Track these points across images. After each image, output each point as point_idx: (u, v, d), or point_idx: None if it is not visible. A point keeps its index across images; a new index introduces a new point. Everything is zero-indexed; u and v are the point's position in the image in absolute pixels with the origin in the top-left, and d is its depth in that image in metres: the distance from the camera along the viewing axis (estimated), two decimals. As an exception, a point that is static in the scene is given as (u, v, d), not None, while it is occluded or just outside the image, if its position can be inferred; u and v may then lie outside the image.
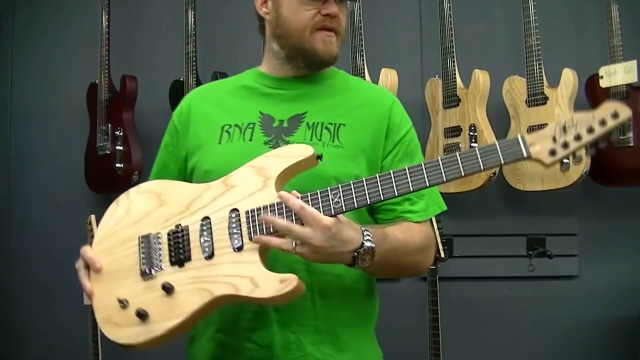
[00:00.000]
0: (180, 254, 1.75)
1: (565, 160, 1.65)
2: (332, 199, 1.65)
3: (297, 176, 1.77)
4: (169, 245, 1.77)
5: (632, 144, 3.36)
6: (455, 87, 3.63)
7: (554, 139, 1.57)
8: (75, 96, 4.06)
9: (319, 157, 1.73)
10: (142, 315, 1.72)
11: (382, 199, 1.65)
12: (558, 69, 3.48)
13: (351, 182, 1.66)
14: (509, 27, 3.77)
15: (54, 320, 4.10)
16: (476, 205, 3.79)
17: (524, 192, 3.51)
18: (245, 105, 1.99)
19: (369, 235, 1.69)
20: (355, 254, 1.66)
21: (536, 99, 3.48)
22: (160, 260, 1.77)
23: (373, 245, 1.68)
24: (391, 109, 2.01)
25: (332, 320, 1.89)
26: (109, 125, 3.86)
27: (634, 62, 3.36)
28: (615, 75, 3.42)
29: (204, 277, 1.71)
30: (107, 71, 3.91)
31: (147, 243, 1.80)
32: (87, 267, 1.85)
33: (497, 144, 1.58)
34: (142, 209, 1.85)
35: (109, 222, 1.89)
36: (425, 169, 1.62)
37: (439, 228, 3.33)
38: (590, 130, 1.56)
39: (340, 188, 1.65)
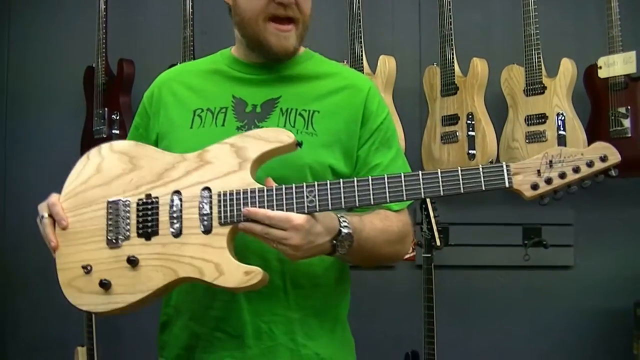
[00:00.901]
0: (148, 227, 1.72)
1: (543, 199, 1.61)
2: (306, 196, 1.63)
3: (271, 163, 1.75)
4: (138, 215, 1.73)
5: (629, 135, 3.36)
6: (454, 75, 3.62)
7: (538, 173, 1.56)
8: (72, 80, 4.06)
9: (299, 144, 1.71)
10: (104, 285, 1.71)
11: (357, 205, 1.63)
12: (557, 59, 3.47)
13: (328, 182, 1.63)
14: (508, 15, 3.76)
15: (48, 304, 4.08)
16: (472, 194, 3.77)
17: (521, 182, 3.51)
18: (218, 89, 1.95)
19: (345, 222, 1.68)
20: (334, 241, 1.66)
21: (534, 88, 3.47)
22: (128, 230, 1.73)
23: (350, 231, 1.67)
24: (367, 96, 1.94)
25: (304, 309, 1.86)
26: (106, 109, 3.86)
27: (633, 53, 3.35)
28: (614, 65, 3.41)
29: (170, 255, 1.69)
30: (104, 55, 3.90)
31: (115, 209, 1.75)
32: (51, 217, 1.82)
33: (480, 168, 1.59)
34: (113, 170, 1.80)
35: (77, 177, 1.84)
36: (404, 181, 1.62)
37: (435, 216, 3.33)
38: (576, 170, 1.55)
39: (316, 186, 1.63)
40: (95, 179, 1.81)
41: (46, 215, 1.82)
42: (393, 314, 3.85)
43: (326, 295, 1.91)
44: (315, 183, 1.64)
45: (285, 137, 1.70)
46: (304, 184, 1.64)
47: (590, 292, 3.83)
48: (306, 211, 1.63)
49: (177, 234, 1.70)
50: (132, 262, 1.70)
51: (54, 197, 1.85)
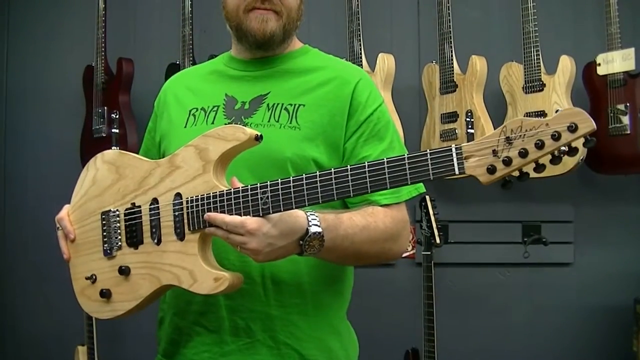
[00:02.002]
0: (134, 237, 1.79)
1: (506, 185, 1.38)
2: (260, 198, 1.60)
3: (252, 158, 1.76)
4: (126, 225, 1.81)
5: (628, 132, 3.36)
6: (453, 73, 3.62)
7: (495, 152, 1.33)
8: (72, 78, 4.06)
9: (258, 138, 1.65)
10: (104, 295, 1.81)
11: (307, 204, 1.58)
12: (555, 56, 3.48)
13: (279, 180, 1.59)
14: (507, 13, 3.76)
15: (48, 302, 4.10)
16: (472, 191, 3.78)
17: (520, 179, 3.51)
18: (213, 88, 1.98)
19: (315, 220, 1.63)
20: (301, 242, 1.62)
21: (533, 85, 3.47)
22: (119, 240, 1.81)
23: (320, 230, 1.62)
24: (355, 88, 1.90)
25: (285, 306, 1.83)
26: (105, 107, 3.85)
27: (632, 50, 3.35)
28: (612, 62, 3.41)
29: (154, 263, 1.75)
30: (103, 54, 3.89)
31: (107, 220, 1.84)
32: None
33: (428, 153, 1.42)
34: (104, 180, 1.88)
35: (80, 189, 1.94)
36: (350, 175, 1.53)
37: (434, 214, 3.33)
38: (540, 145, 1.29)
39: (268, 187, 1.60)
40: (92, 190, 1.90)
41: (57, 227, 1.95)
42: (393, 311, 3.85)
43: (314, 294, 1.87)
44: (268, 183, 1.60)
45: (241, 134, 1.66)
46: (258, 184, 1.61)
47: (590, 289, 3.83)
48: (261, 214, 1.60)
49: (158, 241, 1.75)
50: (124, 271, 1.79)
51: (63, 210, 1.95)
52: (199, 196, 1.67)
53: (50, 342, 4.05)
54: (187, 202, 1.69)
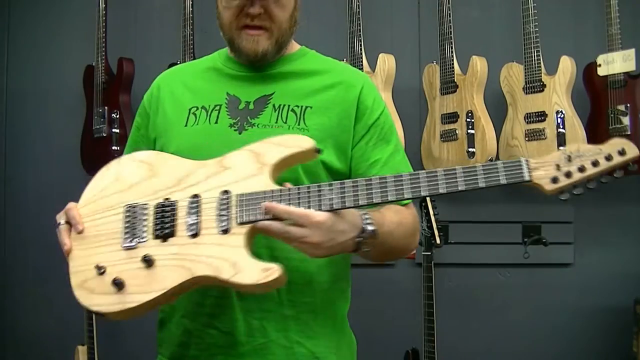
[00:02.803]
0: (165, 229, 1.72)
1: (563, 194, 1.60)
2: (324, 195, 1.63)
3: None
4: (155, 217, 1.74)
5: (628, 133, 3.37)
6: (453, 74, 3.62)
7: (558, 167, 1.56)
8: (72, 78, 4.06)
9: (318, 150, 1.71)
10: (117, 284, 1.68)
11: (380, 201, 1.63)
12: (556, 57, 3.48)
13: (346, 181, 1.63)
14: (507, 13, 3.77)
15: (48, 302, 4.10)
16: (472, 192, 3.76)
17: (521, 179, 3.51)
18: (212, 87, 1.97)
19: (369, 219, 1.67)
20: (359, 239, 1.65)
21: (534, 86, 3.48)
22: (144, 232, 1.74)
23: (375, 228, 1.66)
24: (361, 92, 1.94)
25: (297, 306, 1.86)
26: (106, 107, 3.86)
27: (632, 51, 3.35)
28: (613, 63, 3.41)
29: (186, 254, 1.68)
30: (104, 53, 3.90)
31: (132, 212, 1.77)
32: (69, 224, 1.82)
33: (500, 163, 1.60)
34: (132, 177, 1.83)
35: (96, 186, 1.87)
36: (422, 178, 1.63)
37: (434, 214, 3.33)
38: (595, 163, 1.55)
39: (334, 185, 1.63)
40: (113, 187, 1.84)
41: (62, 222, 1.83)
42: (393, 311, 3.85)
43: (322, 293, 1.89)
44: (337, 183, 1.64)
45: (305, 142, 1.71)
46: (321, 184, 1.65)
47: (590, 290, 3.84)
48: (327, 209, 1.62)
49: (194, 234, 1.69)
50: (148, 261, 1.69)
51: (71, 204, 1.86)
52: (254, 191, 1.67)
53: (50, 341, 4.05)
54: (237, 196, 1.68)
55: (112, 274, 1.71)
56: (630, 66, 3.36)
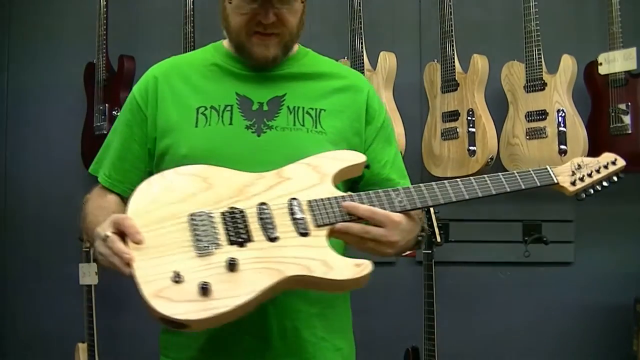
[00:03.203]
0: (240, 234, 1.69)
1: (582, 195, 2.00)
2: (395, 197, 1.76)
3: (284, 162, 1.80)
4: (225, 225, 1.70)
5: (629, 132, 3.36)
6: (454, 72, 3.62)
7: (573, 173, 1.93)
8: (73, 76, 4.05)
9: (367, 166, 1.84)
10: (204, 289, 1.58)
11: (443, 202, 1.80)
12: (557, 55, 3.47)
13: (411, 186, 1.78)
14: (509, 12, 3.76)
15: (48, 300, 4.10)
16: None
17: (521, 178, 3.50)
18: (219, 86, 1.94)
19: (420, 219, 1.85)
20: (419, 237, 1.80)
21: (535, 84, 3.47)
22: (217, 239, 1.68)
23: (426, 226, 1.78)
24: (369, 95, 2.01)
25: (321, 302, 1.90)
26: (106, 105, 3.86)
27: (633, 50, 3.35)
28: (614, 62, 3.41)
29: (271, 257, 1.67)
30: (104, 51, 3.90)
31: (199, 221, 1.70)
32: (119, 235, 1.67)
33: (531, 171, 1.94)
34: (187, 189, 1.77)
35: (142, 199, 1.76)
36: (475, 182, 1.84)
37: (435, 212, 3.33)
38: (598, 171, 1.95)
39: (401, 190, 1.77)
40: (167, 198, 1.76)
41: (109, 233, 1.67)
42: (393, 310, 3.85)
43: None
44: (400, 188, 1.78)
45: (358, 157, 1.85)
46: (386, 189, 1.77)
47: (591, 288, 3.84)
48: (399, 210, 1.75)
49: (274, 238, 1.69)
50: (232, 265, 1.63)
51: (119, 215, 1.72)
52: (325, 197, 1.75)
53: (50, 339, 4.05)
54: (308, 202, 1.73)
55: (192, 281, 1.61)
56: (632, 65, 3.36)
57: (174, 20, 3.88)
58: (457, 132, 3.57)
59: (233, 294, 1.61)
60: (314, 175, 1.78)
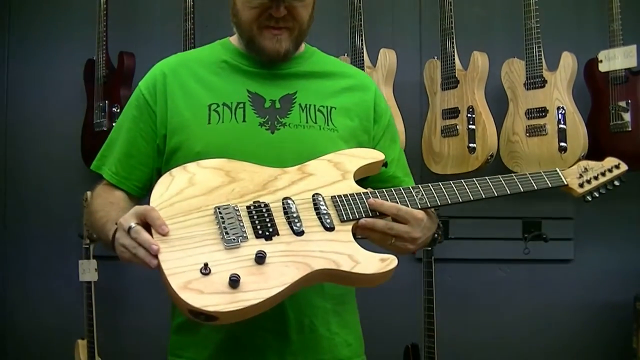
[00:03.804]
0: (267, 228, 1.69)
1: (588, 198, 2.07)
2: (415, 195, 1.80)
3: (299, 160, 1.83)
4: (251, 218, 1.71)
5: (629, 129, 3.36)
6: (454, 69, 3.61)
7: (580, 176, 2.00)
8: (73, 72, 4.05)
9: (385, 164, 1.89)
10: (234, 282, 1.58)
11: (461, 201, 1.85)
12: (557, 52, 3.47)
13: (427, 184, 1.82)
14: (509, 9, 3.76)
15: (48, 296, 4.10)
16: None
17: (521, 175, 3.51)
18: (230, 83, 1.94)
19: (436, 216, 1.89)
20: (436, 234, 1.81)
21: (535, 82, 3.47)
22: (244, 232, 1.68)
23: (440, 223, 1.81)
24: (376, 94, 2.05)
25: (334, 298, 1.94)
26: (106, 101, 3.85)
27: (634, 47, 3.34)
28: (614, 59, 3.40)
29: (298, 251, 1.68)
30: (104, 47, 3.89)
31: (225, 213, 1.70)
32: (144, 226, 1.66)
33: (542, 172, 1.97)
34: (210, 182, 1.77)
35: (167, 191, 1.75)
36: (491, 182, 1.89)
37: (435, 210, 3.33)
38: (603, 174, 2.03)
39: (421, 188, 1.82)
40: (192, 191, 1.75)
41: (133, 224, 1.65)
42: (393, 307, 3.85)
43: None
44: (420, 186, 1.82)
45: (377, 154, 1.90)
46: (409, 187, 1.82)
47: (590, 286, 3.84)
48: (419, 207, 1.79)
49: (299, 232, 1.71)
50: (261, 258, 1.64)
51: (144, 207, 1.70)
52: (349, 193, 1.78)
53: (50, 336, 4.05)
54: (332, 198, 1.77)
55: (220, 273, 1.61)
56: (632, 62, 3.35)
57: (174, 17, 3.87)
58: (457, 129, 3.57)
59: (263, 286, 1.61)
60: (336, 172, 1.82)
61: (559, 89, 3.41)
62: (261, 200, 1.74)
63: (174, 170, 1.79)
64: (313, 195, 1.76)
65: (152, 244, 1.61)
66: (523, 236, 3.84)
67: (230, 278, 1.58)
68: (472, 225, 3.87)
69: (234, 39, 2.02)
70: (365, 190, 1.79)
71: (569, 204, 3.79)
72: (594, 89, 3.53)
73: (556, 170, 1.97)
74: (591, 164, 2.03)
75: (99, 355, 3.67)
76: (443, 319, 3.44)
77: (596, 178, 2.02)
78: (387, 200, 1.77)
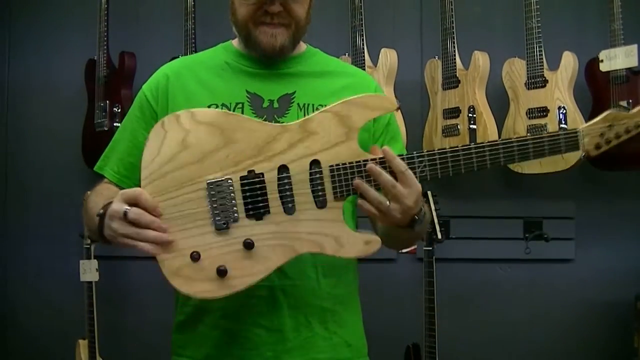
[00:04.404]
0: (259, 207, 1.67)
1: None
2: (417, 165, 1.67)
3: None
4: (244, 195, 1.67)
5: (630, 129, 3.36)
6: (455, 69, 3.61)
7: (602, 134, 1.73)
8: (74, 72, 4.05)
9: (399, 108, 1.82)
10: (222, 272, 1.63)
11: (463, 171, 1.69)
12: (558, 52, 3.47)
13: (436, 150, 1.68)
14: (510, 8, 3.76)
15: (49, 296, 4.10)
16: (473, 187, 3.79)
17: (522, 175, 3.51)
18: (229, 84, 1.95)
19: (423, 203, 1.75)
20: (416, 217, 1.70)
21: (536, 81, 3.47)
22: (235, 212, 1.66)
23: (425, 211, 1.76)
24: (376, 91, 2.04)
25: (333, 297, 1.93)
26: (107, 101, 3.85)
27: (635, 47, 3.34)
28: (615, 59, 3.40)
29: (286, 232, 1.67)
30: (105, 47, 3.89)
31: (217, 191, 1.66)
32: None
33: (562, 132, 1.73)
34: (204, 145, 1.68)
35: (159, 155, 1.69)
36: (501, 146, 1.69)
37: (436, 209, 3.33)
38: (627, 131, 1.73)
39: (425, 157, 1.67)
40: (185, 157, 1.68)
41: (126, 207, 1.63)
42: (394, 306, 3.85)
43: (348, 285, 2.00)
44: (425, 152, 1.68)
45: (388, 104, 1.75)
46: (415, 153, 1.68)
47: (591, 285, 3.84)
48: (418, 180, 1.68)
49: (291, 211, 1.68)
50: (249, 244, 1.65)
51: (131, 190, 1.67)
52: (348, 163, 1.68)
53: (51, 336, 4.05)
54: (330, 168, 1.68)
55: (209, 259, 1.65)
56: (633, 62, 3.35)
57: (175, 16, 3.87)
58: (458, 128, 3.57)
59: (249, 272, 1.66)
60: (340, 130, 1.68)
61: (560, 88, 3.41)
62: (257, 168, 1.68)
63: (167, 122, 1.71)
64: (310, 164, 1.68)
65: (159, 226, 1.64)
66: (524, 236, 3.83)
67: (217, 269, 1.64)
68: (473, 225, 3.87)
69: (235, 42, 2.03)
70: (365, 157, 1.67)
71: (570, 203, 3.79)
72: (595, 88, 3.52)
73: (576, 132, 1.72)
74: (620, 116, 1.73)
75: (100, 355, 3.67)
76: (444, 318, 3.43)
77: (618, 137, 1.73)
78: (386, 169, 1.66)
